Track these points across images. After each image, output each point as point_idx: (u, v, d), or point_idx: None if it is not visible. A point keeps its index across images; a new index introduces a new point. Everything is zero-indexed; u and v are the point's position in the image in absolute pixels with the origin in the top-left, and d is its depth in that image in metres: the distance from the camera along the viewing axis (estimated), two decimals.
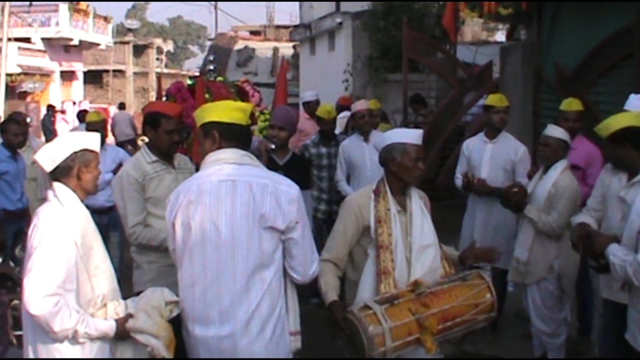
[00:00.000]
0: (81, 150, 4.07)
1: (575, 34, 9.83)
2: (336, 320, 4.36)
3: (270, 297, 3.90)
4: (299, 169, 6.81)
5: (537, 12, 10.98)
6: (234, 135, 4.04)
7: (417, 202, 4.76)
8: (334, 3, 19.56)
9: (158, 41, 54.49)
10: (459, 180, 7.47)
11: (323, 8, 20.74)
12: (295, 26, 25.33)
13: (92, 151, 4.13)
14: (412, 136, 4.72)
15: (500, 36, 22.03)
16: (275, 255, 3.92)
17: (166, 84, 14.02)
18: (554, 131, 6.20)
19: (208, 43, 49.72)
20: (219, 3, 53.45)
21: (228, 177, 3.91)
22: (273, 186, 3.88)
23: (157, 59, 51.73)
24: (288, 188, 3.93)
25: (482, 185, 7.10)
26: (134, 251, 5.52)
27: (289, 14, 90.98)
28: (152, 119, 5.52)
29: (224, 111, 4.05)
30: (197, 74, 17.09)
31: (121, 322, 4.03)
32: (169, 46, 58.08)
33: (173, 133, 5.47)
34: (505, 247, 6.50)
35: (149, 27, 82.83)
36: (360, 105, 8.39)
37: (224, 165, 3.97)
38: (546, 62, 10.43)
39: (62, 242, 3.84)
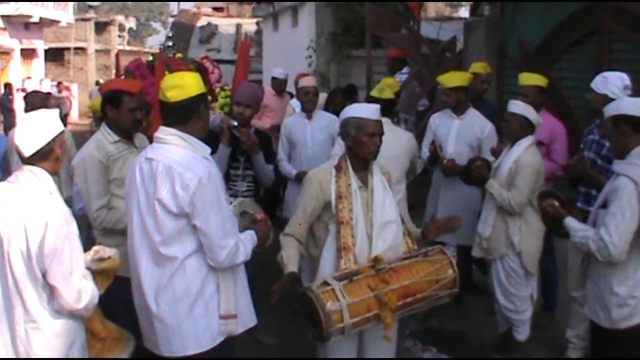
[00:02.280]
0: (61, 132, 3.97)
1: (538, 10, 9.81)
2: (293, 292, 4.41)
3: (184, 277, 4.04)
4: (261, 145, 6.71)
5: None
6: (165, 114, 4.16)
7: (379, 177, 4.72)
8: None
9: (120, 18, 53.98)
10: (425, 154, 7.39)
11: None
12: (258, 2, 25.09)
13: (63, 131, 4.02)
14: (368, 111, 4.67)
15: (464, 12, 22.04)
16: (183, 237, 4.03)
17: (128, 61, 13.86)
18: (513, 107, 6.13)
19: (171, 20, 49.29)
20: None
21: (150, 155, 4.09)
22: (175, 170, 3.94)
23: (119, 36, 51.30)
24: (185, 172, 3.94)
25: (452, 166, 7.00)
26: (98, 234, 5.38)
27: None
28: (113, 98, 5.40)
29: (161, 91, 4.11)
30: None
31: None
32: (131, 23, 57.56)
33: (135, 111, 5.41)
34: (470, 223, 6.46)
35: (111, 4, 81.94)
36: (306, 82, 8.24)
37: (155, 143, 4.17)
38: (510, 39, 10.42)
39: (76, 235, 3.91)
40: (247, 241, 4.22)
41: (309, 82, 8.24)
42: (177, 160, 3.97)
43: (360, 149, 4.61)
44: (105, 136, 5.34)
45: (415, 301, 4.43)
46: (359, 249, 4.49)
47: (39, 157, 3.86)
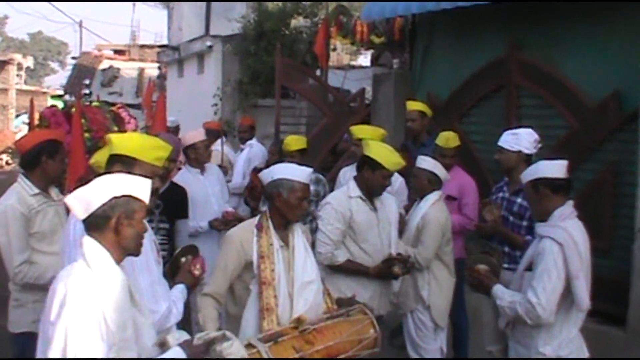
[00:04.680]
0: (124, 197, 3.35)
1: (447, 64, 9.98)
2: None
3: None
4: (176, 198, 6.63)
5: (410, 41, 11.11)
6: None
7: (300, 237, 4.74)
8: (203, 26, 19.34)
9: (18, 57, 52.89)
10: None
11: (192, 30, 20.53)
12: (163, 46, 24.93)
13: (138, 199, 3.43)
14: (301, 174, 4.67)
15: (364, 60, 22.23)
16: None
17: (25, 100, 13.57)
18: (422, 162, 6.21)
19: (69, 60, 48.60)
20: (83, 20, 52.33)
21: None
22: None
23: (17, 75, 50.23)
24: None
25: None
26: (15, 289, 5.22)
27: (154, 34, 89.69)
28: (52, 147, 5.26)
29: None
30: (61, 93, 16.58)
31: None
32: (28, 62, 56.40)
33: (64, 160, 5.37)
34: None
35: (9, 42, 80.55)
36: (197, 137, 7.50)
37: None
38: (418, 92, 10.52)
39: (86, 318, 3.14)
40: (179, 300, 4.12)
41: (195, 137, 7.53)
42: None
43: (289, 212, 4.61)
44: (24, 188, 5.17)
45: None
46: (281, 310, 4.47)
47: (94, 224, 3.38)
